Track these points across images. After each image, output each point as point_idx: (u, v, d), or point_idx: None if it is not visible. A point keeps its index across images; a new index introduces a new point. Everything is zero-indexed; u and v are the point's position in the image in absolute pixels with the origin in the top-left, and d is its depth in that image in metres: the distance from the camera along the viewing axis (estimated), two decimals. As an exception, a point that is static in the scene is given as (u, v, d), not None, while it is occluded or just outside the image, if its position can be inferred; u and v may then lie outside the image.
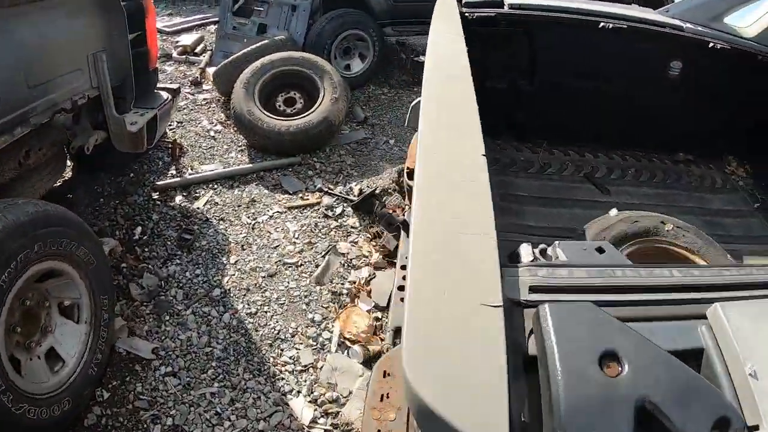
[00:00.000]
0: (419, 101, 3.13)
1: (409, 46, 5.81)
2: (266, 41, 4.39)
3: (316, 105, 3.88)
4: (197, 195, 3.46)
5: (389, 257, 3.25)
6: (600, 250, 1.12)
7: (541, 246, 1.13)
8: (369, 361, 2.59)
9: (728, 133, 3.42)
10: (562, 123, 3.35)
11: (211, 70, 4.69)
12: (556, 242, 1.11)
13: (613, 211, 2.41)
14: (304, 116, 3.81)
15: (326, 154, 4.02)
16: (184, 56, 5.38)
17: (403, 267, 2.70)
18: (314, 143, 3.90)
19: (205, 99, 4.69)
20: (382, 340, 2.76)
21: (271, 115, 3.81)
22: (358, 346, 2.67)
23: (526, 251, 1.13)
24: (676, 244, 2.35)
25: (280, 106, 4.05)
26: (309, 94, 4.06)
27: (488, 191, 1.06)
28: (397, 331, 2.36)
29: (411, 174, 3.06)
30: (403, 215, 3.02)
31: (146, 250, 2.99)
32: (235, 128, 4.07)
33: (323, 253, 3.16)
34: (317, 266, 3.07)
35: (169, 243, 3.06)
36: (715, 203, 3.21)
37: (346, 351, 2.66)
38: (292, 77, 4.04)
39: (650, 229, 2.34)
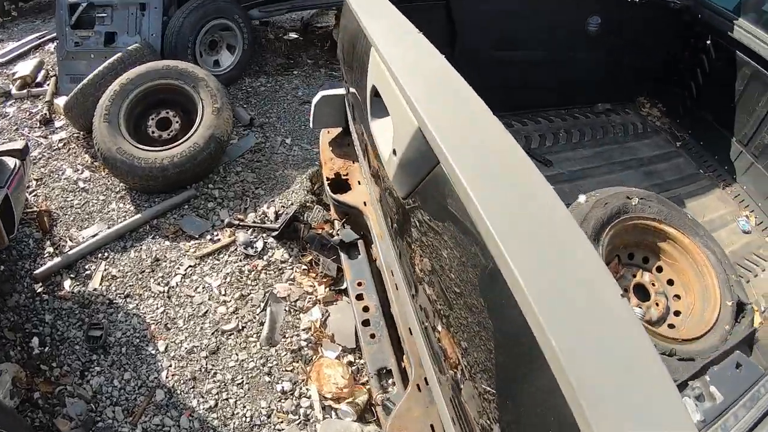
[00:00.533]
0: (325, 96, 2.78)
1: (275, 24, 5.16)
2: (118, 54, 3.55)
3: (196, 122, 3.26)
4: (88, 273, 2.78)
5: (335, 285, 2.94)
6: (737, 366, 0.98)
7: (696, 388, 0.95)
8: (363, 415, 2.36)
9: (638, 77, 3.56)
10: (485, 93, 3.22)
11: (60, 101, 3.76)
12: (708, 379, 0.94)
13: (582, 198, 2.38)
14: (186, 139, 3.19)
15: (221, 177, 3.46)
16: (25, 90, 4.26)
17: (359, 297, 2.43)
18: (206, 169, 3.31)
19: (61, 140, 3.77)
20: (366, 386, 2.51)
21: (147, 148, 3.13)
22: (344, 404, 2.40)
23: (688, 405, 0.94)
24: (644, 217, 2.42)
25: (153, 131, 3.35)
26: (184, 109, 3.41)
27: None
28: (381, 374, 2.15)
29: (334, 184, 2.71)
30: (336, 233, 2.69)
31: (54, 365, 2.36)
32: (107, 171, 3.31)
33: (261, 305, 2.75)
34: (261, 324, 2.66)
35: (78, 348, 2.43)
36: (645, 150, 3.37)
37: (333, 412, 2.38)
38: (160, 93, 3.34)
39: (621, 208, 2.38)
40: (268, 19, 4.64)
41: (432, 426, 1.82)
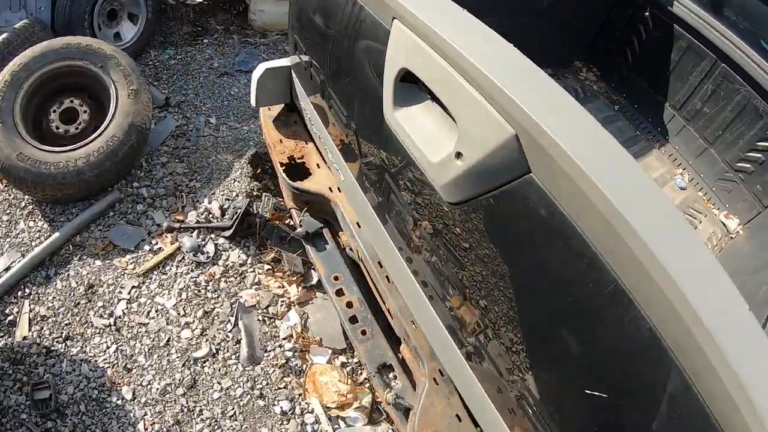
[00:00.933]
0: (269, 69, 2.40)
1: None
2: (3, 35, 2.79)
3: (110, 110, 2.69)
4: (11, 318, 2.25)
5: (305, 282, 2.68)
6: None
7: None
8: (371, 415, 2.24)
9: (575, 42, 3.56)
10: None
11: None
12: None
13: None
14: (101, 132, 2.63)
15: (146, 171, 2.95)
16: None
17: (339, 292, 2.24)
18: (128, 164, 2.79)
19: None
20: (366, 385, 2.35)
21: (54, 149, 2.54)
22: (351, 410, 2.23)
23: None
24: None
25: (57, 127, 2.73)
26: (92, 95, 2.81)
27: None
28: (383, 368, 2.08)
29: (290, 170, 2.41)
30: (299, 223, 2.42)
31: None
32: (6, 183, 2.66)
33: (231, 319, 2.43)
34: (237, 342, 2.36)
35: (25, 417, 1.97)
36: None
37: (342, 421, 2.21)
38: (61, 79, 2.70)
39: None
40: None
41: (458, 416, 1.79)
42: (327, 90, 1.99)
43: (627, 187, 0.94)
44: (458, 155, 1.20)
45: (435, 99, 1.35)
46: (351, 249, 2.29)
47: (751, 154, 3.05)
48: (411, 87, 1.42)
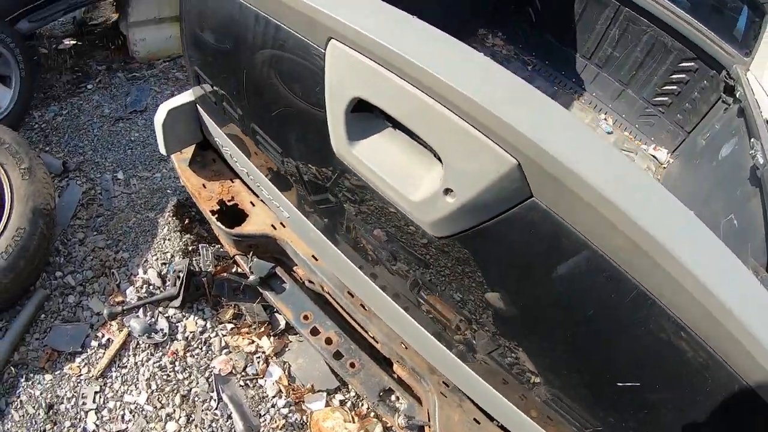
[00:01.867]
0: (173, 109, 2.13)
1: (45, 35, 3.73)
2: None
3: (6, 200, 2.35)
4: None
5: (273, 329, 2.54)
6: None
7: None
8: None
9: (475, 10, 3.49)
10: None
11: None
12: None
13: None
14: (4, 228, 2.27)
15: (65, 255, 2.63)
16: None
17: (314, 331, 2.12)
18: (44, 255, 2.46)
19: None
20: (373, 413, 2.29)
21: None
22: (366, 444, 2.18)
23: None
24: None
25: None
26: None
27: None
28: (384, 394, 1.99)
29: (222, 214, 2.23)
30: (249, 270, 2.26)
31: None
32: None
33: (212, 395, 2.27)
34: (229, 417, 2.21)
35: None
36: None
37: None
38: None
39: None
40: (35, 32, 3.40)
41: (476, 419, 1.79)
42: (249, 125, 1.77)
43: (649, 205, 0.91)
44: (447, 191, 1.08)
45: (399, 126, 1.20)
46: (311, 281, 2.16)
47: (667, 87, 3.17)
48: (366, 116, 1.24)
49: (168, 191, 3.02)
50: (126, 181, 3.06)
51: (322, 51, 1.19)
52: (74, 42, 3.58)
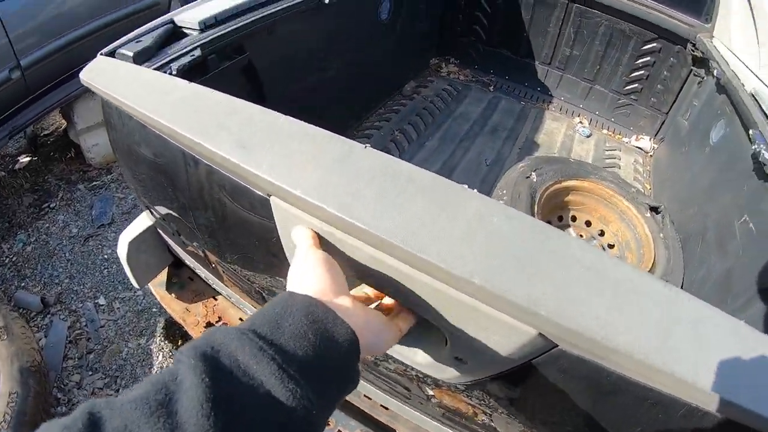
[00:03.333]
0: (134, 240, 1.95)
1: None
2: None
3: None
4: None
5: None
6: None
7: None
8: None
9: (424, 42, 3.37)
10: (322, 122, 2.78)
11: None
12: None
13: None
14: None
15: (65, 404, 2.53)
16: None
17: None
18: (43, 412, 2.32)
19: None
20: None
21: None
22: None
23: None
24: (549, 186, 2.38)
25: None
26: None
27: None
28: None
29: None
30: None
31: None
32: None
33: None
34: None
35: None
36: (473, 110, 3.29)
37: None
38: None
39: (531, 191, 2.28)
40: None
41: None
42: (214, 263, 1.65)
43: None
44: (459, 359, 0.95)
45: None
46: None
47: (634, 74, 3.03)
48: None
49: (153, 310, 2.91)
50: (109, 306, 2.94)
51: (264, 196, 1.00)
52: (29, 158, 3.45)
